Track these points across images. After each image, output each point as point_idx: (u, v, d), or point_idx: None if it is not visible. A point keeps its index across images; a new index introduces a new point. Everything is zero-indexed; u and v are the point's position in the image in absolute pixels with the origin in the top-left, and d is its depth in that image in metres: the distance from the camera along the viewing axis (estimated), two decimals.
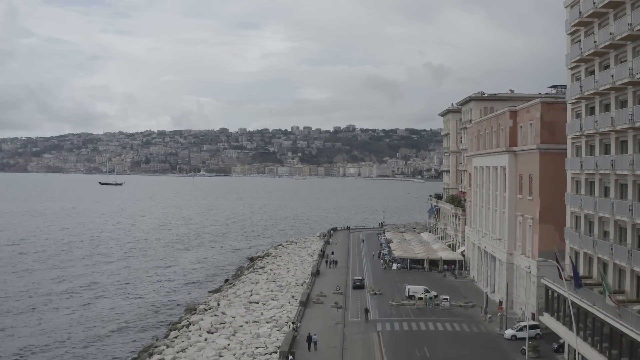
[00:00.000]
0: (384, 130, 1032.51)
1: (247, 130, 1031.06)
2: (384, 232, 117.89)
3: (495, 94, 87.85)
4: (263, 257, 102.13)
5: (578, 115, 47.24)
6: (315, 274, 76.11)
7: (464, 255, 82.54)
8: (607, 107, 42.08)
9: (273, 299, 67.66)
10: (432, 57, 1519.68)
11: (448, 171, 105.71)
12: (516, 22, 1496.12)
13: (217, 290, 78.18)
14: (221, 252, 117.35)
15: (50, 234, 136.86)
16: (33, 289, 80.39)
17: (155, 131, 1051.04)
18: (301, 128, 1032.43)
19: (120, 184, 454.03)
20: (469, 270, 78.54)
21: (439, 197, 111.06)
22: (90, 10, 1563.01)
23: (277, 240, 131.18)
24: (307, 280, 74.88)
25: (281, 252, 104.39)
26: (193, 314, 64.25)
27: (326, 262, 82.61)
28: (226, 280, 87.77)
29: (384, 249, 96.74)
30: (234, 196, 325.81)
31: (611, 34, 38.63)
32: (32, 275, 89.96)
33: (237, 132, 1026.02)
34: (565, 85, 55.38)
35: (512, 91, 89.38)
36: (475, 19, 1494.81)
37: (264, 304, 65.66)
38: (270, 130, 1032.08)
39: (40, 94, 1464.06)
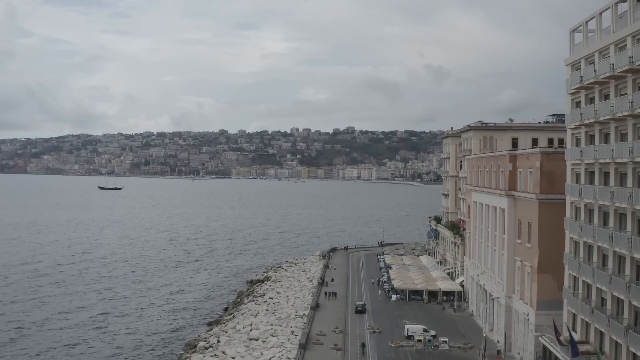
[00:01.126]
0: (383, 132, 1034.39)
1: (247, 132, 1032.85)
2: (383, 254, 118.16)
3: (495, 124, 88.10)
4: (263, 282, 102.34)
5: (578, 142, 47.71)
6: (315, 307, 76.31)
7: (462, 286, 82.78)
8: (606, 137, 42.24)
9: (273, 335, 67.86)
10: (432, 57, 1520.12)
11: (447, 195, 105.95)
12: (516, 22, 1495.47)
13: (217, 322, 78.47)
14: (223, 272, 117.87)
15: (52, 254, 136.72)
16: (26, 318, 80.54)
17: (155, 132, 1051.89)
18: (300, 130, 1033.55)
19: (120, 189, 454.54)
20: (467, 303, 78.76)
21: (438, 219, 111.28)
22: (90, 10, 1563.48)
23: (278, 259, 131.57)
24: (306, 313, 75.17)
25: (280, 276, 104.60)
26: (193, 352, 64.51)
27: (325, 293, 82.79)
28: (226, 309, 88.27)
29: (383, 275, 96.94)
30: (235, 203, 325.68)
31: (612, 63, 38.93)
32: (28, 303, 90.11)
33: (236, 133, 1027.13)
34: (564, 114, 55.72)
35: (511, 120, 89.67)
36: (475, 19, 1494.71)
37: (263, 341, 65.84)
38: (269, 132, 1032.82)
39: (40, 94, 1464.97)
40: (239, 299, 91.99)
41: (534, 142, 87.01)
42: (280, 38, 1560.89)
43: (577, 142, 47.89)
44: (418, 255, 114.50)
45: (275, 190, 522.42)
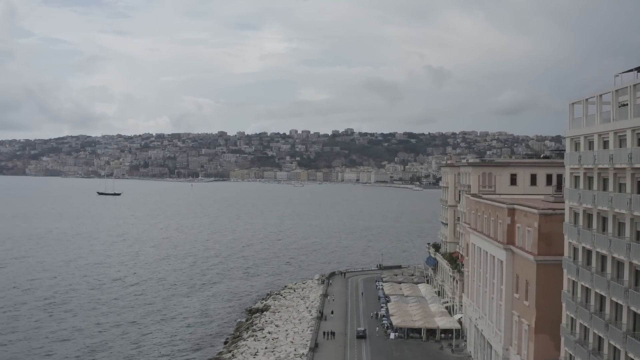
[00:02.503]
0: (382, 134, 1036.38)
1: (246, 133, 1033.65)
2: (382, 280, 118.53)
3: (493, 160, 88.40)
4: (262, 311, 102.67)
5: (576, 180, 47.96)
6: (313, 348, 76.65)
7: (461, 323, 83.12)
8: (605, 182, 42.49)
9: None
10: (432, 58, 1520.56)
11: (446, 224, 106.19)
12: (515, 23, 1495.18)
13: None
14: (222, 296, 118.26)
15: (53, 273, 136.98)
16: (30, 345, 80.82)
17: (154, 134, 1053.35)
18: (300, 132, 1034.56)
19: (119, 194, 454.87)
20: (466, 342, 79.08)
21: (436, 247, 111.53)
22: (89, 10, 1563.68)
23: (277, 281, 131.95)
24: (305, 352, 75.66)
25: (279, 306, 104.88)
26: None
27: (324, 333, 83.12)
28: (225, 342, 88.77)
29: (382, 307, 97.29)
30: (235, 211, 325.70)
31: (611, 155, 39.26)
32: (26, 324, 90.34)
33: (235, 135, 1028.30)
34: (564, 150, 55.98)
35: (511, 156, 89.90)
36: (475, 20, 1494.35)
37: None
38: (268, 134, 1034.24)
39: (39, 94, 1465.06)
40: (238, 333, 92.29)
41: (533, 179, 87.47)
42: (279, 38, 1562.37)
43: (576, 180, 48.32)
44: (416, 283, 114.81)
45: (275, 195, 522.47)
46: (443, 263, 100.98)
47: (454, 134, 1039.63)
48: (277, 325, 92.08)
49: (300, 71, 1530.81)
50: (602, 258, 42.39)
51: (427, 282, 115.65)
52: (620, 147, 38.85)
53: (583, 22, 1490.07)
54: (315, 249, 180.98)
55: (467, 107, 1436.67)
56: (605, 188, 42.05)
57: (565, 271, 48.82)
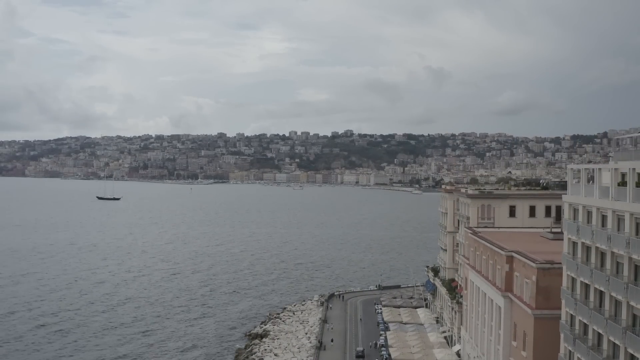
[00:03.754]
0: (381, 136, 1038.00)
1: (245, 135, 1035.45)
2: (381, 303, 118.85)
3: (492, 192, 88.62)
4: (261, 337, 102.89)
5: (574, 246, 48.09)
6: None
7: (459, 355, 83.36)
8: (602, 256, 42.85)
9: None
10: (431, 58, 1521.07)
11: (445, 249, 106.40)
12: (515, 23, 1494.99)
13: None
14: (220, 317, 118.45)
15: (54, 290, 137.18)
16: None
17: (153, 135, 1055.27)
18: (299, 133, 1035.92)
19: (118, 199, 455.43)
20: None
21: (435, 271, 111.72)
22: (89, 10, 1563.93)
23: (277, 301, 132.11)
24: None
25: (279, 331, 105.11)
26: None
27: None
28: None
29: (381, 334, 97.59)
30: (235, 219, 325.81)
31: (609, 237, 39.74)
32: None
33: (235, 137, 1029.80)
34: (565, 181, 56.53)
35: (510, 188, 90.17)
36: (475, 20, 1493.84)
37: None
38: (268, 135, 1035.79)
39: (39, 94, 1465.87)
40: None
41: (532, 210, 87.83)
42: (279, 38, 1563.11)
43: (574, 249, 48.59)
44: (415, 308, 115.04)
45: (275, 200, 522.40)
46: (442, 290, 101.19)
47: (453, 135, 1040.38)
48: (276, 355, 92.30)
49: (299, 71, 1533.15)
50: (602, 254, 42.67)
51: (426, 306, 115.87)
52: (619, 230, 38.94)
53: (583, 22, 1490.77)
54: (317, 264, 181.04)
55: (467, 107, 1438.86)
56: (602, 266, 42.55)
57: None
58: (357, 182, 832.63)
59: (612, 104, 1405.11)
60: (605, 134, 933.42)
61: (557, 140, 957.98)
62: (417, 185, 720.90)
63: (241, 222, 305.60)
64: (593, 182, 44.49)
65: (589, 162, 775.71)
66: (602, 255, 42.77)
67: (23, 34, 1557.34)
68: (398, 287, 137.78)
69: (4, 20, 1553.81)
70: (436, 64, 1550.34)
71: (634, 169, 37.58)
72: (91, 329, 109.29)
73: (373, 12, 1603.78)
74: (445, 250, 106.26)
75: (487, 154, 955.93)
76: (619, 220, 40.10)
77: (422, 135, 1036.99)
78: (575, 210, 48.16)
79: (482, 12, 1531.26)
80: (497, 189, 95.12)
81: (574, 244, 47.97)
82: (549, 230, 76.35)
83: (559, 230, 72.94)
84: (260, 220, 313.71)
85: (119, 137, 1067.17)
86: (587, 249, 45.24)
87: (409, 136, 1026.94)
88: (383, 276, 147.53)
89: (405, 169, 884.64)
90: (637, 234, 37.45)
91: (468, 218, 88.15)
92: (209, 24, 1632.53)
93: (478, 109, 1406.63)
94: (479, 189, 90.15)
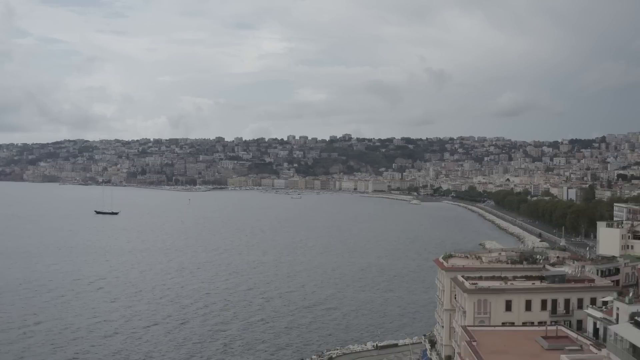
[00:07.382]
0: (380, 140, 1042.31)
1: (243, 139, 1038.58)
2: None
3: (489, 287, 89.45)
4: None
5: None
6: None
7: None
8: None
9: None
10: (431, 58, 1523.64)
11: (442, 326, 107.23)
12: (515, 23, 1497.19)
13: None
14: None
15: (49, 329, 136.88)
16: None
17: (152, 139, 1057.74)
18: (297, 137, 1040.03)
19: (117, 213, 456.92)
20: None
21: (432, 343, 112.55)
22: (87, 10, 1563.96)
23: None
24: None
25: None
26: None
27: None
28: None
29: None
30: (244, 238, 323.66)
31: None
32: None
33: (233, 141, 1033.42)
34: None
35: (506, 284, 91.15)
36: (474, 20, 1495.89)
37: None
38: (266, 140, 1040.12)
39: (37, 95, 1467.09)
40: None
41: (528, 304, 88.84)
42: (277, 38, 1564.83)
43: None
44: None
45: (275, 211, 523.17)
46: None
47: (451, 139, 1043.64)
48: None
49: (298, 71, 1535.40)
50: None
51: None
52: None
53: (583, 24, 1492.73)
54: (318, 309, 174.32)
55: (467, 109, 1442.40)
56: None
57: None
58: (355, 189, 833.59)
59: (612, 107, 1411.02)
60: (603, 139, 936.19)
61: (555, 145, 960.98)
62: (415, 194, 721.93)
63: (248, 247, 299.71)
64: None
65: (587, 169, 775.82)
66: None
67: (21, 34, 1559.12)
68: (396, 345, 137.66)
69: (2, 21, 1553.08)
70: (436, 65, 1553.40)
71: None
72: None
73: (372, 12, 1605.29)
74: (442, 326, 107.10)
75: (486, 159, 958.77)
76: None
77: (421, 139, 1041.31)
78: None
79: (482, 12, 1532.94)
80: (494, 276, 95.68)
81: None
82: (543, 334, 77.14)
83: (553, 334, 74.37)
84: (265, 244, 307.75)
85: (117, 140, 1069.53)
86: None
87: (407, 140, 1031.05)
88: (382, 329, 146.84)
89: (404, 174, 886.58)
90: None
91: (464, 312, 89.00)
92: (207, 23, 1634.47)
93: (478, 110, 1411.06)
94: (475, 279, 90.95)
